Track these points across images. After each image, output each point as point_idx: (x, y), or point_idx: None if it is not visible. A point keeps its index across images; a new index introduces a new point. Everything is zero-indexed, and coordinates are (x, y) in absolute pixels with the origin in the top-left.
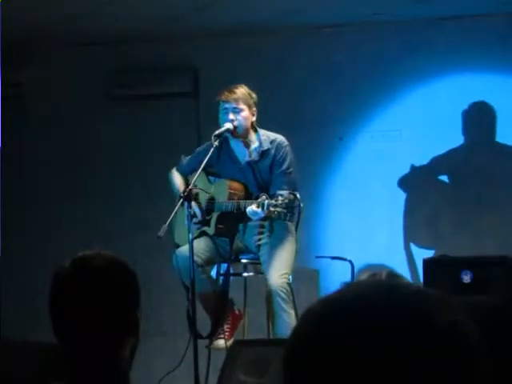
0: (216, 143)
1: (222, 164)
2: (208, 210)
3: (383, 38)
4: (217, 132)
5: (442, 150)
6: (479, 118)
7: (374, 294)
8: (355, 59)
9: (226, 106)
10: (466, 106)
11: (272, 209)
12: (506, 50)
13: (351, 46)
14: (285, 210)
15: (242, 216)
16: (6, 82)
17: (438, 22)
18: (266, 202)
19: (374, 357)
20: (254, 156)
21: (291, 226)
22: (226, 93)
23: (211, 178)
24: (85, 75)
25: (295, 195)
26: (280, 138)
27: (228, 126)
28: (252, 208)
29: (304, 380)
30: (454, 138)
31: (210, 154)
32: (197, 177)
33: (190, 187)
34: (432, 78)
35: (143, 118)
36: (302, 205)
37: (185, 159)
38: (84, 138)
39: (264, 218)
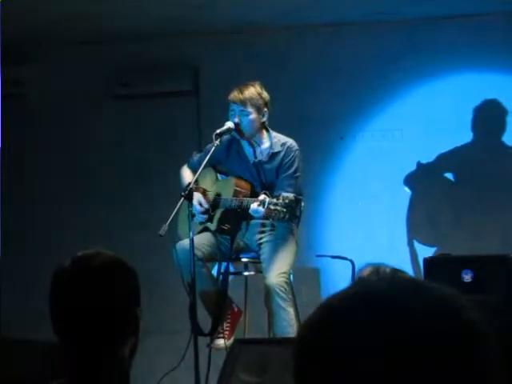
0: (217, 142)
1: (231, 161)
2: (213, 206)
3: (383, 38)
4: (218, 131)
5: (442, 150)
6: (482, 116)
7: (379, 293)
8: (355, 59)
9: (234, 107)
10: (468, 105)
11: (272, 207)
12: (507, 49)
13: (351, 45)
14: (284, 209)
15: (244, 214)
16: (7, 80)
17: (438, 21)
18: (267, 199)
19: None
20: (263, 157)
21: (293, 228)
22: (235, 93)
23: (220, 175)
24: (85, 74)
25: (299, 199)
26: (291, 141)
27: (229, 124)
28: (253, 206)
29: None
30: (454, 138)
31: (210, 153)
32: (197, 175)
33: (190, 186)
34: (433, 77)
35: (143, 116)
36: (302, 207)
37: (196, 155)
38: (84, 137)
39: (265, 217)
